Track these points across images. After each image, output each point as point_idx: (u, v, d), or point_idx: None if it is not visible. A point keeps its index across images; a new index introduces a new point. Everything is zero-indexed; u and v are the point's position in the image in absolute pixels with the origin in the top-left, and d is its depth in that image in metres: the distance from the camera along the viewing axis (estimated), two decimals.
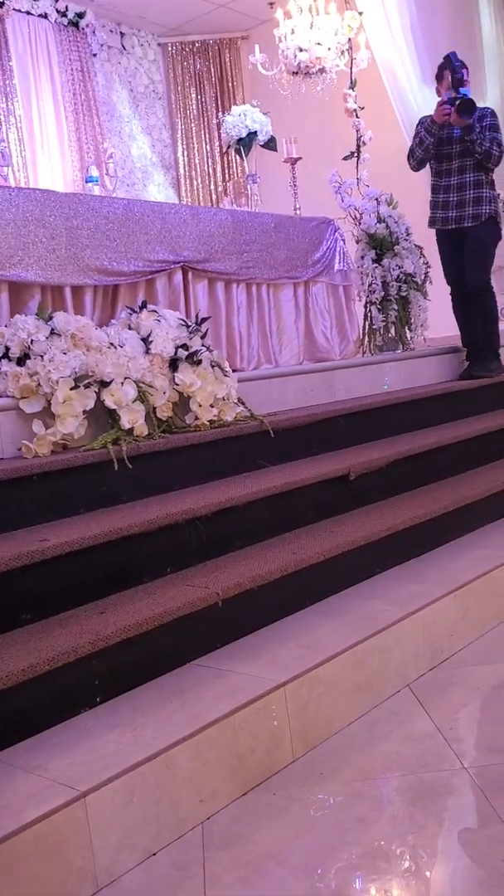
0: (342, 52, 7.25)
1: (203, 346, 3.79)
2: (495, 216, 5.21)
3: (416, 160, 5.30)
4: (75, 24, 8.55)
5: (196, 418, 3.63)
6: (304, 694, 2.46)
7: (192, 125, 9.63)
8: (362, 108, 7.15)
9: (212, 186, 9.66)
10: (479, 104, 5.15)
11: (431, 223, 5.39)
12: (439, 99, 5.09)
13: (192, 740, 2.16)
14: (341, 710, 2.58)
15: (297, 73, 7.28)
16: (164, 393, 3.56)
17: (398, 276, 5.63)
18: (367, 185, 6.43)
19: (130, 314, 3.83)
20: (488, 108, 5.25)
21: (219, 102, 9.68)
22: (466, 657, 3.02)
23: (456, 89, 4.95)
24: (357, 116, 7.11)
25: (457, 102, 4.89)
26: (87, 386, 3.26)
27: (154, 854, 2.03)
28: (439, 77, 5.20)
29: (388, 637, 2.79)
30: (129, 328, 3.72)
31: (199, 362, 3.66)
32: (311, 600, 3.08)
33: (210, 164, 9.70)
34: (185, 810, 2.12)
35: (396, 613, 2.90)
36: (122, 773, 2.00)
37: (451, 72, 4.97)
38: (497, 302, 5.41)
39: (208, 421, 3.65)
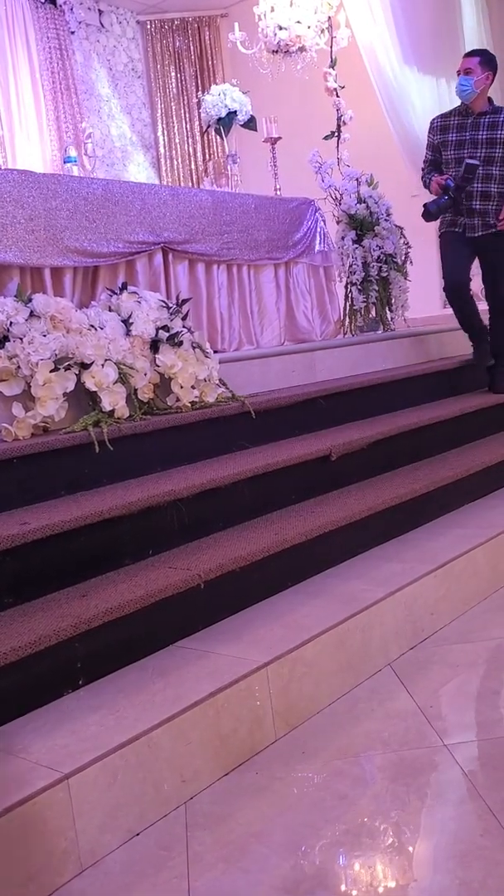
0: (322, 31, 7.20)
1: (184, 327, 3.78)
2: None
3: (425, 186, 5.02)
4: (52, 2, 8.42)
5: (177, 400, 3.62)
6: (285, 674, 2.48)
7: (172, 104, 9.53)
8: (343, 88, 7.11)
9: (192, 166, 9.57)
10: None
11: (451, 225, 4.95)
12: (442, 179, 4.77)
13: (175, 721, 2.17)
14: (323, 689, 2.60)
15: (276, 51, 7.22)
16: (146, 374, 3.55)
17: (378, 257, 5.63)
18: (348, 166, 6.41)
19: (111, 295, 3.81)
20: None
21: (198, 81, 9.59)
22: (447, 635, 3.05)
23: (458, 186, 4.70)
24: (337, 96, 7.07)
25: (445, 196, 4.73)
26: (67, 368, 3.25)
27: (137, 834, 2.05)
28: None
29: (370, 616, 2.80)
30: (110, 310, 3.70)
31: (181, 343, 3.65)
32: (292, 581, 3.09)
33: (190, 143, 9.61)
34: (169, 791, 2.13)
35: (377, 593, 2.92)
36: (105, 755, 2.01)
37: (462, 182, 4.70)
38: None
39: (190, 402, 3.64)
